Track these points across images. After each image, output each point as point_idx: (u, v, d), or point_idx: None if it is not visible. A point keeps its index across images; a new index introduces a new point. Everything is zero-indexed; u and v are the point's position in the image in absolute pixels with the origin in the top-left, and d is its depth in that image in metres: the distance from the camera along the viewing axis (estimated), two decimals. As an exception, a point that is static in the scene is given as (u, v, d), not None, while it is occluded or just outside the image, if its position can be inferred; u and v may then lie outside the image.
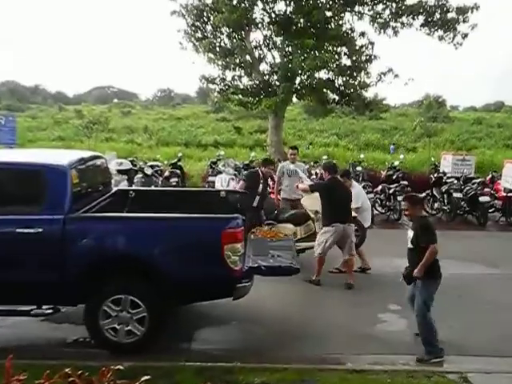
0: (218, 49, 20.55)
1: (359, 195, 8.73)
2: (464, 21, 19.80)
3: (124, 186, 12.83)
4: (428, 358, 5.65)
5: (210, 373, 5.15)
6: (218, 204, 7.04)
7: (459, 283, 8.00)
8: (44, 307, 5.65)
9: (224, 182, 12.60)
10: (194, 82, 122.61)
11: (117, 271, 5.60)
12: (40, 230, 5.36)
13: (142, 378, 3.03)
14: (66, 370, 2.86)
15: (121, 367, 2.99)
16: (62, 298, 5.60)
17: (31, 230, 5.34)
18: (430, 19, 20.02)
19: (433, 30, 20.25)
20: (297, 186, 8.98)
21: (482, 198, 12.74)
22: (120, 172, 13.12)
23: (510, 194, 13.13)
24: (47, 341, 6.11)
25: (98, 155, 7.21)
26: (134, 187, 12.83)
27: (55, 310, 5.69)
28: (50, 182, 5.55)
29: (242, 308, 6.37)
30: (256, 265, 5.80)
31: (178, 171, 15.83)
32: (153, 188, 10.46)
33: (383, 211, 13.61)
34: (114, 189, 7.32)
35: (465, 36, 20.22)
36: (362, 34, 20.77)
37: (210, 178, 14.96)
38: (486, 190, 13.22)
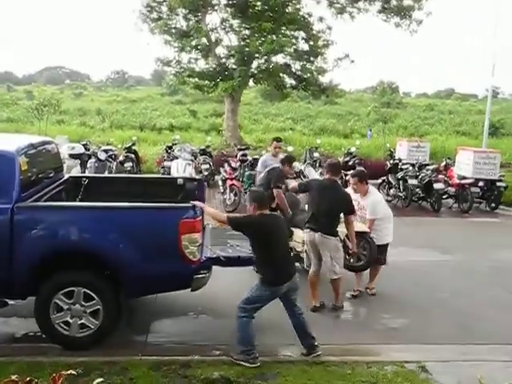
0: (173, 30, 20.12)
1: (376, 204, 6.92)
2: (419, 8, 20.06)
3: (77, 171, 12.45)
4: (236, 358, 5.17)
5: (167, 367, 5.02)
6: (175, 192, 6.86)
7: (415, 270, 8.17)
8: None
9: (180, 167, 12.36)
10: (148, 63, 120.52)
11: (68, 263, 5.32)
12: (-14, 219, 5.07)
13: (95, 382, 2.89)
14: (13, 378, 2.68)
15: (73, 372, 2.83)
16: (10, 291, 5.32)
17: (-23, 220, 5.03)
18: (386, 6, 20.17)
19: (389, 16, 20.44)
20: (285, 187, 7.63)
21: (436, 185, 12.94)
22: (72, 156, 12.71)
23: (463, 181, 13.40)
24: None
25: (49, 140, 6.88)
26: (86, 173, 12.47)
27: (3, 304, 5.44)
28: (-4, 169, 5.23)
29: (198, 298, 6.19)
30: (214, 255, 5.68)
31: (133, 155, 15.44)
32: (106, 175, 10.12)
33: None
34: (66, 176, 7.02)
35: (420, 23, 20.52)
36: (320, 19, 20.75)
37: (166, 163, 14.66)
38: (439, 176, 13.42)
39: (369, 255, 6.87)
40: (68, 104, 40.42)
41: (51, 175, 6.52)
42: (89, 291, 5.24)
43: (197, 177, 7.26)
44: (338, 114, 42.64)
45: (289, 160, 7.88)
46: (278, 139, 9.45)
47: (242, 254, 5.80)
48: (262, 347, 5.59)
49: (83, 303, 5.26)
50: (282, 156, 8.73)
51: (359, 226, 6.80)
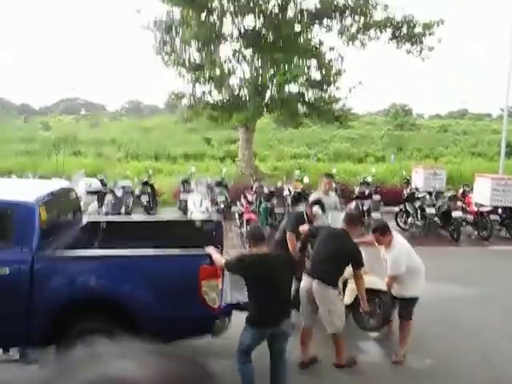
0: (187, 63, 20.37)
1: (398, 258, 6.08)
2: (430, 34, 20.13)
3: (94, 207, 12.55)
4: None
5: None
6: (194, 234, 6.86)
7: (437, 307, 7.97)
8: (11, 352, 5.40)
9: (197, 201, 12.40)
10: (162, 93, 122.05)
11: (90, 311, 5.32)
12: (7, 270, 5.11)
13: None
14: None
15: None
16: (30, 340, 5.32)
17: (-3, 271, 5.07)
18: (397, 33, 20.28)
19: (400, 43, 20.53)
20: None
21: (454, 214, 12.84)
22: (90, 193, 12.84)
23: (481, 209, 13.29)
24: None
25: (68, 187, 6.96)
26: (103, 210, 12.58)
27: (23, 355, 5.41)
28: (17, 219, 5.30)
29: (218, 342, 6.13)
30: (235, 301, 5.65)
31: (149, 189, 15.59)
32: (124, 219, 10.19)
33: (357, 228, 13.55)
34: (85, 220, 7.06)
35: (431, 49, 20.56)
36: (332, 49, 20.89)
37: (182, 196, 14.75)
38: (458, 204, 13.32)
39: (382, 315, 6.35)
40: (84, 134, 40.93)
41: (70, 221, 6.58)
42: (109, 340, 5.22)
43: (215, 219, 7.22)
44: (351, 137, 42.62)
45: (316, 204, 7.21)
46: (328, 175, 8.79)
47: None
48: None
49: (104, 352, 5.22)
50: (332, 193, 8.45)
51: (374, 283, 6.32)
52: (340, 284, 6.12)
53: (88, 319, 5.32)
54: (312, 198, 8.23)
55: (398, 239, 6.38)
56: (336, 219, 7.04)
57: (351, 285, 6.21)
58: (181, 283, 5.29)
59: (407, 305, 6.25)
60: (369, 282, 6.14)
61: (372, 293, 6.14)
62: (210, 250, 5.46)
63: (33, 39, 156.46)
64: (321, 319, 5.89)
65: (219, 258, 5.38)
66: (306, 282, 5.94)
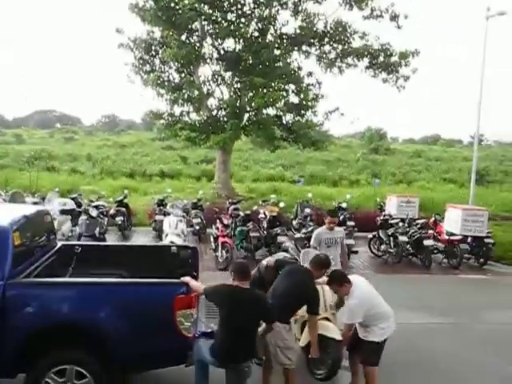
0: (166, 83, 20.43)
1: (354, 309, 5.81)
2: (406, 65, 20.61)
3: (67, 226, 12.43)
4: None
5: None
6: (169, 260, 6.84)
7: (406, 336, 7.83)
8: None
9: (173, 223, 12.38)
10: (138, 108, 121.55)
11: (61, 340, 5.23)
12: (-23, 297, 5.02)
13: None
14: None
15: None
16: (0, 369, 5.22)
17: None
18: (374, 61, 20.71)
19: (377, 72, 20.96)
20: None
21: (426, 242, 13.08)
22: (63, 212, 12.69)
23: (452, 238, 13.55)
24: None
25: (42, 210, 6.90)
26: (77, 230, 12.46)
27: (-8, 383, 5.32)
28: (-11, 244, 5.21)
29: (190, 370, 6.09)
30: (209, 330, 5.63)
31: (124, 209, 15.49)
32: (99, 243, 10.10)
33: (330, 253, 13.65)
34: (59, 244, 6.98)
35: (407, 79, 21.02)
36: (310, 74, 21.21)
37: (158, 217, 14.67)
38: (429, 232, 13.57)
39: (331, 365, 6.04)
40: (58, 149, 40.53)
41: (44, 245, 6.50)
42: (81, 369, 5.15)
43: (191, 245, 7.21)
44: (327, 160, 43.00)
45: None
46: (332, 214, 8.56)
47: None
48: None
49: (75, 382, 5.14)
50: (337, 228, 8.35)
51: (330, 330, 6.09)
52: (297, 324, 6.10)
53: (60, 349, 5.25)
54: (316, 232, 8.29)
55: (359, 287, 5.98)
56: (307, 257, 6.72)
57: (307, 327, 6.00)
58: (156, 312, 5.23)
59: (374, 348, 5.88)
60: (324, 329, 5.98)
61: (325, 340, 5.95)
62: (187, 279, 5.45)
63: (9, 48, 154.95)
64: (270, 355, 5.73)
65: (197, 286, 5.38)
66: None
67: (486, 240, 13.63)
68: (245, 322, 5.03)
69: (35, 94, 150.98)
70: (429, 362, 7.35)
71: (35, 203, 12.69)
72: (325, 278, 6.09)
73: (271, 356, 5.68)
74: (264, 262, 6.85)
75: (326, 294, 6.28)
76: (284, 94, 20.39)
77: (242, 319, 4.99)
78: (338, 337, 5.98)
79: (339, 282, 5.93)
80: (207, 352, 5.14)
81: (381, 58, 20.55)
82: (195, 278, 5.94)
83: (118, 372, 5.44)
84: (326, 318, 6.23)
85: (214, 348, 5.12)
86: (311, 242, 8.35)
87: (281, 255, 7.40)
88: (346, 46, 20.55)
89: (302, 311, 5.92)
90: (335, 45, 20.69)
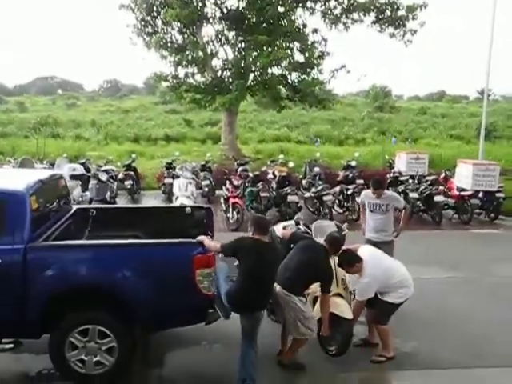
0: (169, 44, 20.12)
1: (367, 287, 5.94)
2: (413, 18, 20.19)
3: (78, 192, 12.44)
4: None
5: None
6: (184, 221, 6.86)
7: (420, 289, 7.82)
8: (4, 341, 5.38)
9: (182, 186, 12.41)
10: (141, 72, 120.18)
11: (83, 301, 5.29)
12: (-1, 260, 5.06)
13: None
14: None
15: None
16: (24, 331, 5.31)
17: (-11, 262, 5.02)
18: (380, 16, 20.29)
19: (384, 27, 20.57)
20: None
21: (436, 198, 13.05)
22: (73, 177, 12.70)
23: (462, 193, 13.52)
24: (7, 375, 5.77)
25: (56, 174, 6.89)
26: (87, 194, 12.49)
27: (17, 344, 5.40)
28: (7, 209, 5.22)
29: (211, 328, 6.17)
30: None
31: (132, 173, 15.50)
32: (113, 206, 10.13)
33: (341, 211, 13.70)
34: (74, 208, 7.00)
35: (414, 33, 20.63)
36: (315, 31, 20.84)
37: (166, 180, 14.70)
38: (440, 188, 13.53)
39: (341, 344, 5.99)
40: (61, 115, 40.31)
41: (60, 209, 6.52)
42: (103, 328, 5.23)
43: (205, 206, 7.21)
44: (332, 119, 42.63)
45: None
46: (375, 186, 7.67)
47: None
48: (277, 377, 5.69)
49: (98, 341, 5.24)
50: (386, 195, 7.75)
51: (341, 309, 5.96)
52: (309, 297, 6.04)
53: (81, 309, 5.32)
54: (363, 194, 8.15)
55: (370, 264, 5.97)
56: (319, 231, 6.67)
57: (319, 303, 5.93)
58: (175, 272, 5.28)
59: (387, 309, 6.01)
60: (336, 307, 5.93)
61: (336, 318, 5.90)
62: (202, 237, 5.48)
63: (7, 15, 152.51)
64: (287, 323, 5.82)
65: (213, 244, 5.42)
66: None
67: (497, 195, 13.59)
68: (266, 273, 5.21)
69: (35, 61, 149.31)
70: (441, 316, 7.42)
71: (45, 169, 12.69)
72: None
73: (292, 329, 5.73)
74: (275, 229, 6.80)
75: (338, 269, 6.19)
76: (289, 52, 20.06)
77: (263, 271, 5.16)
78: (349, 315, 5.94)
79: (349, 263, 5.96)
80: (223, 291, 5.37)
81: (387, 12, 20.14)
82: (210, 238, 5.96)
83: (140, 331, 5.54)
84: (338, 294, 6.15)
85: (231, 296, 5.27)
86: (359, 199, 8.32)
87: (291, 224, 7.28)
88: (351, 1, 20.11)
89: (315, 286, 5.91)
90: (340, 0, 20.23)
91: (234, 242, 5.35)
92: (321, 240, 6.02)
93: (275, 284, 5.60)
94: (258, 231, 5.28)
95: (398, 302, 5.98)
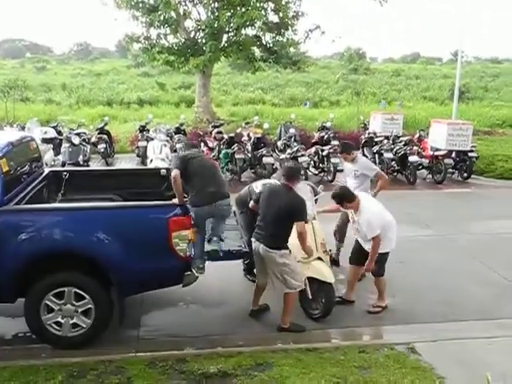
0: (140, 4, 19.57)
1: (371, 221, 5.98)
2: (389, -24, 19.95)
3: (50, 155, 12.21)
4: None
5: (163, 363, 5.06)
6: (159, 183, 6.80)
7: (397, 247, 8.12)
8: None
9: (157, 148, 12.25)
10: (112, 35, 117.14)
11: (57, 264, 5.24)
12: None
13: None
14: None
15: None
16: (-1, 295, 5.24)
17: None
18: (355, -25, 19.99)
19: (358, -15, 20.30)
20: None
21: (411, 158, 13.17)
22: (45, 141, 12.45)
23: (436, 153, 13.67)
24: (-17, 339, 5.72)
25: (27, 136, 6.71)
26: (60, 158, 12.26)
27: (-7, 308, 5.35)
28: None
29: (187, 289, 6.18)
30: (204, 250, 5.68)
31: (106, 136, 15.24)
32: (87, 168, 9.95)
33: (317, 173, 13.74)
34: (46, 170, 6.87)
35: (390, -9, 20.42)
36: (289, -11, 20.48)
37: (140, 143, 14.50)
38: (414, 149, 13.62)
39: (325, 306, 6.04)
40: (30, 79, 39.24)
41: (32, 172, 6.38)
42: (79, 291, 5.19)
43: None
44: (306, 82, 42.38)
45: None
46: (341, 150, 7.73)
47: (231, 247, 5.81)
48: (255, 336, 5.75)
49: (74, 303, 5.21)
50: (358, 161, 7.51)
51: (321, 273, 5.97)
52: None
53: (57, 272, 5.26)
54: None
55: (366, 200, 6.21)
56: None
57: (300, 268, 5.91)
58: (150, 234, 5.24)
59: (380, 260, 6.16)
60: (317, 272, 5.97)
61: (318, 282, 5.98)
62: (176, 201, 5.47)
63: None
64: (273, 279, 5.80)
65: (180, 197, 5.58)
66: (254, 244, 5.76)
67: (470, 154, 13.78)
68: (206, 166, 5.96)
69: (1, 23, 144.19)
70: (417, 272, 7.59)
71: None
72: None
73: (281, 284, 5.70)
74: (254, 186, 6.77)
75: (317, 232, 6.20)
76: (263, 12, 19.66)
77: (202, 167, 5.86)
78: (331, 279, 5.96)
79: (349, 198, 6.06)
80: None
81: (362, -29, 19.85)
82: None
83: (116, 294, 5.51)
84: (319, 258, 6.13)
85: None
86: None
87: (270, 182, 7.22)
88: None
89: (301, 254, 5.91)
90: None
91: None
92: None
93: (258, 244, 5.63)
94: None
95: (387, 250, 6.20)
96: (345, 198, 6.08)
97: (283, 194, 5.67)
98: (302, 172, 12.70)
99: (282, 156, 13.97)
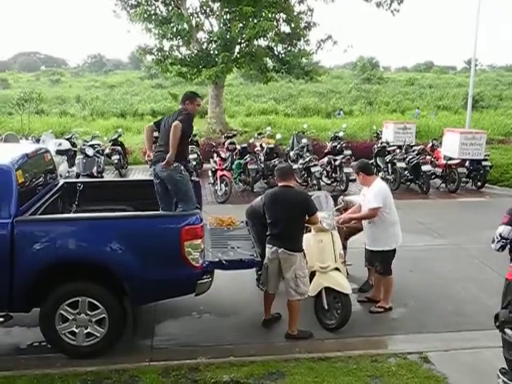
0: (153, 17, 19.79)
1: (380, 191, 6.24)
2: (399, -14, 20.00)
3: (64, 168, 12.34)
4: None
5: (176, 372, 5.09)
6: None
7: (409, 257, 8.18)
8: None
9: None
10: (125, 46, 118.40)
11: (72, 274, 5.30)
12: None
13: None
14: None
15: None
16: (13, 305, 5.30)
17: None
18: (367, -16, 20.08)
19: (370, -4, 20.37)
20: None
21: (424, 167, 13.12)
22: (59, 153, 12.59)
23: (449, 162, 13.60)
24: (-2, 348, 5.80)
25: (42, 148, 6.82)
26: (74, 169, 12.40)
27: (7, 318, 5.41)
28: (-7, 183, 5.17)
29: (200, 298, 6.21)
30: (217, 259, 5.70)
31: (119, 148, 15.38)
32: (101, 179, 10.06)
33: (329, 182, 13.74)
34: (61, 181, 6.96)
35: (401, 1, 20.42)
36: (301, 1, 20.59)
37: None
38: (427, 158, 13.59)
39: (341, 317, 5.99)
40: (45, 91, 39.79)
41: (46, 183, 6.48)
42: (93, 300, 5.25)
43: (193, 178, 7.18)
44: (319, 92, 42.57)
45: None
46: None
47: (243, 256, 5.83)
48: (267, 345, 5.75)
49: (88, 312, 5.27)
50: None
51: (339, 283, 5.96)
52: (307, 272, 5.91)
53: (71, 282, 5.32)
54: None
55: (378, 181, 6.47)
56: (317, 201, 6.55)
57: (317, 278, 6.01)
58: (163, 244, 5.29)
59: (384, 258, 6.33)
60: (333, 282, 5.96)
61: (335, 293, 5.98)
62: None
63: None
64: (286, 285, 5.77)
65: None
66: (272, 250, 5.75)
67: (484, 163, 13.69)
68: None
69: (17, 36, 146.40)
70: (429, 282, 7.53)
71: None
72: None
73: (292, 287, 5.70)
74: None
75: (336, 243, 6.18)
76: (275, 23, 19.80)
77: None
78: (348, 290, 5.98)
79: (369, 171, 6.48)
80: None
81: (374, -19, 19.91)
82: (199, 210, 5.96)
83: (130, 303, 5.56)
84: (336, 269, 6.10)
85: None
86: None
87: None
88: (337, -30, 19.85)
89: (311, 261, 5.97)
90: (326, -31, 19.98)
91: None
92: (323, 213, 6.12)
93: (275, 249, 5.68)
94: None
95: (393, 247, 6.33)
96: (365, 169, 6.42)
97: (286, 195, 5.74)
98: (315, 182, 12.80)
99: (295, 166, 13.98)
